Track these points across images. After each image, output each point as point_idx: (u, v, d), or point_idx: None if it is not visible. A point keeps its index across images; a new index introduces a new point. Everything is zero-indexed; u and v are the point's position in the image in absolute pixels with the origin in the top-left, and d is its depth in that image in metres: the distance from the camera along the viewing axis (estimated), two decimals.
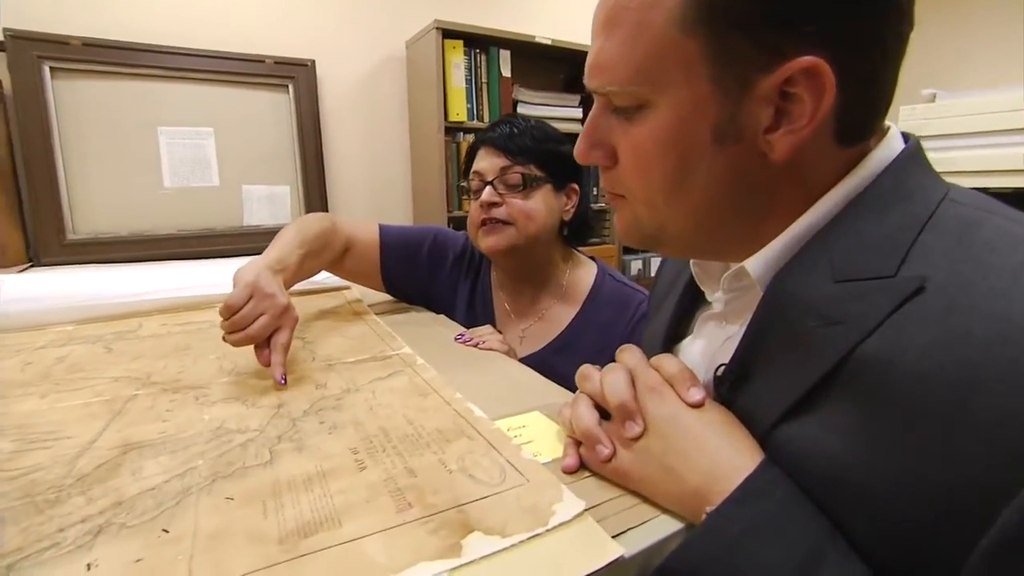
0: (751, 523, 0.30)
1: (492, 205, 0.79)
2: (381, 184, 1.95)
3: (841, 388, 0.31)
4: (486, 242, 0.81)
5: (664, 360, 0.39)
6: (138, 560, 0.28)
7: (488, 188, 0.79)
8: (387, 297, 0.91)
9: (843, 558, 0.29)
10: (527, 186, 0.80)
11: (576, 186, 0.85)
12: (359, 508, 0.32)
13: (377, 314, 0.78)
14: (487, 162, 0.80)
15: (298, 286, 0.88)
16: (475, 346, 0.67)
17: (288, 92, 1.72)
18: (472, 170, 0.83)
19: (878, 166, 0.36)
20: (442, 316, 0.82)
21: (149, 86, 1.53)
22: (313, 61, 1.74)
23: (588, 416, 0.39)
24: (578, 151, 0.42)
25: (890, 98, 0.36)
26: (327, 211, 1.80)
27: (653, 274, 2.46)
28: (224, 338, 0.55)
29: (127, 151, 1.53)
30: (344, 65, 1.83)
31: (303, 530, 0.30)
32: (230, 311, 0.55)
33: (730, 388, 0.37)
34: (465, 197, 0.86)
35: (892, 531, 0.28)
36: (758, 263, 0.38)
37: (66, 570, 0.27)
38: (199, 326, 0.73)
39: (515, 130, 0.80)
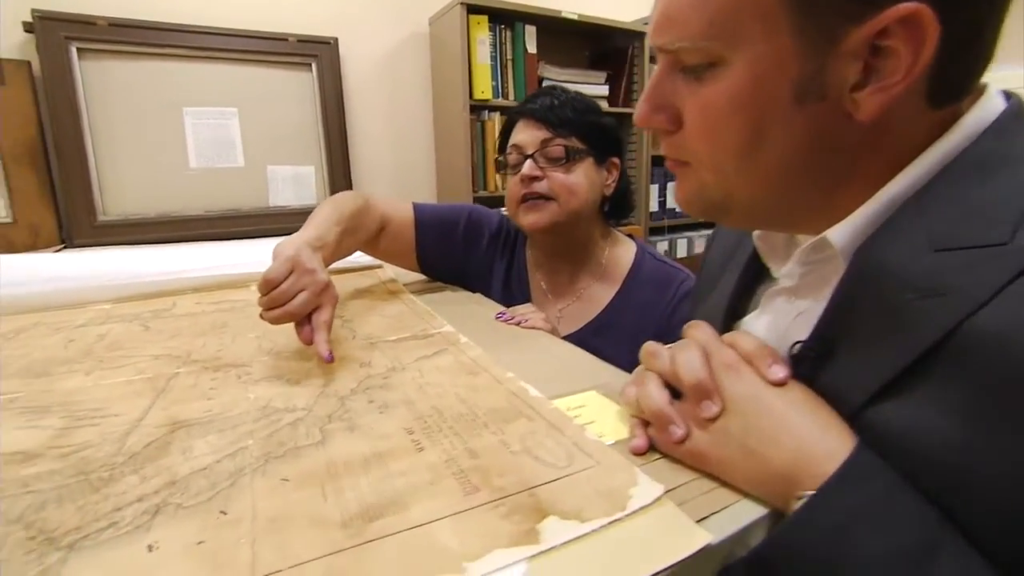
0: (856, 510, 0.28)
1: (533, 179, 0.76)
2: (405, 163, 1.93)
3: (947, 365, 0.28)
4: (528, 218, 0.78)
5: (739, 337, 0.37)
6: (200, 543, 0.27)
7: (529, 162, 0.76)
8: (420, 276, 0.89)
9: (960, 550, 0.26)
10: (569, 159, 0.76)
11: (617, 160, 0.82)
12: (423, 491, 0.30)
13: (412, 293, 0.76)
14: (527, 134, 0.77)
15: (333, 265, 0.86)
16: (517, 324, 0.64)
17: (311, 71, 1.69)
18: (510, 143, 0.80)
19: (976, 127, 0.33)
20: (478, 295, 0.80)
21: (174, 66, 1.52)
22: (336, 39, 1.71)
23: (659, 395, 0.36)
24: (639, 115, 0.39)
25: (991, 54, 0.33)
26: (351, 189, 1.78)
27: (679, 256, 2.40)
28: (262, 315, 0.53)
29: (153, 132, 1.53)
30: (367, 42, 1.80)
31: (367, 514, 0.28)
32: (269, 285, 0.52)
33: (811, 366, 0.35)
34: (502, 172, 0.83)
35: (1014, 521, 0.26)
36: (842, 233, 0.35)
37: (127, 551, 0.26)
38: (233, 304, 0.72)
39: (556, 101, 0.77)
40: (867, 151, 0.34)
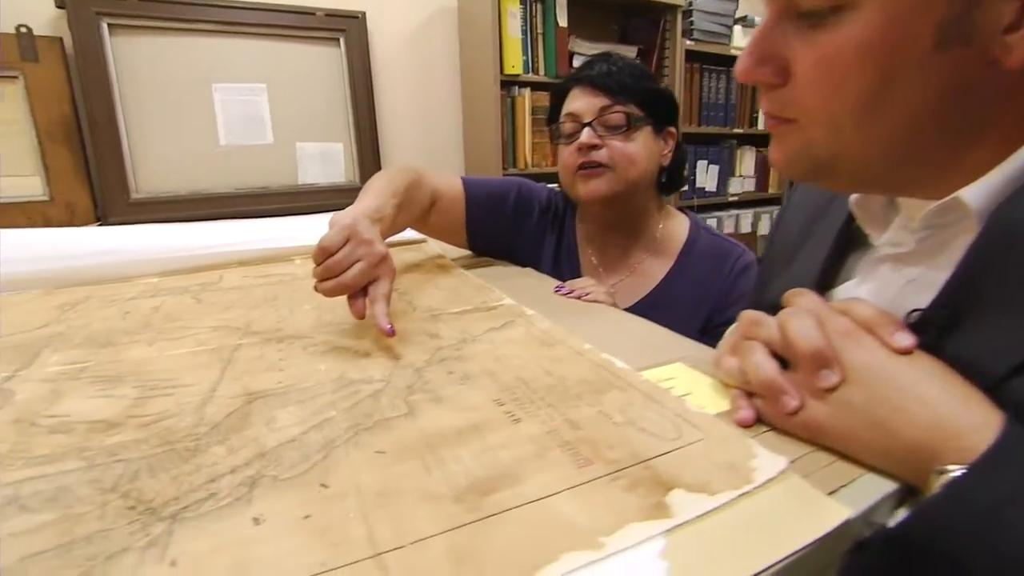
0: (1015, 488, 0.25)
1: (591, 148, 0.73)
2: (433, 140, 1.90)
3: None
4: (586, 188, 0.74)
5: (855, 304, 0.34)
6: (306, 516, 0.25)
7: (587, 130, 0.73)
8: (464, 252, 0.87)
9: None
10: (630, 127, 0.73)
11: (673, 130, 0.78)
12: (532, 464, 0.28)
13: (462, 268, 0.74)
14: (583, 102, 0.74)
15: None
16: (578, 298, 0.62)
17: (339, 45, 1.66)
18: (564, 112, 0.77)
19: None
20: (529, 269, 0.78)
21: (203, 41, 1.50)
22: (363, 13, 1.68)
23: (768, 365, 0.34)
24: (741, 68, 0.36)
25: None
26: (380, 169, 1.76)
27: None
28: (316, 286, 0.50)
29: (183, 109, 1.52)
30: (395, 17, 1.76)
31: (479, 487, 0.27)
32: (324, 254, 0.49)
33: (937, 335, 0.32)
34: (556, 143, 0.79)
35: None
36: (978, 193, 0.32)
37: (232, 523, 0.24)
38: (281, 278, 0.70)
39: (614, 68, 0.73)
40: (1006, 103, 0.31)
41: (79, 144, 1.52)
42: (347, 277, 0.49)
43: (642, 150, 0.74)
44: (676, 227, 0.82)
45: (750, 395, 0.35)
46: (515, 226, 0.82)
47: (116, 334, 0.50)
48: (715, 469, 0.28)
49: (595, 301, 0.61)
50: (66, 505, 0.26)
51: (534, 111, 1.87)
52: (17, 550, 0.23)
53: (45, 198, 1.56)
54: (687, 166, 0.84)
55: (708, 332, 0.74)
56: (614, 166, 0.73)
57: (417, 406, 0.35)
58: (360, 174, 1.71)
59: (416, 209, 0.71)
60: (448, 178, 0.79)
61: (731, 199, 2.43)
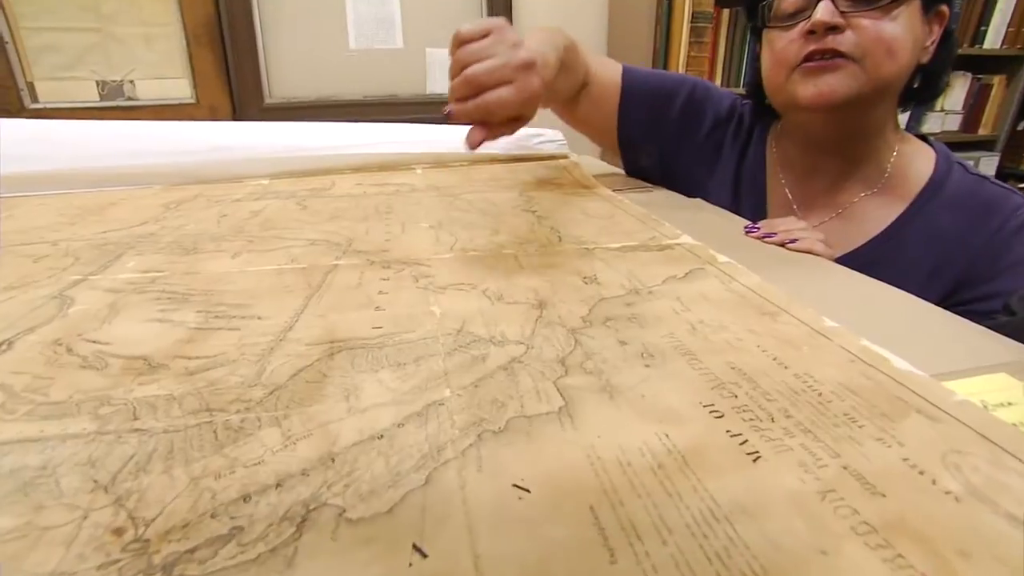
0: None
1: (830, 30, 0.50)
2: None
3: None
4: (814, 86, 0.52)
5: None
6: None
7: (825, 4, 0.49)
8: (610, 171, 0.71)
9: None
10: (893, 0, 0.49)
11: (945, 9, 0.53)
12: (813, 569, 0.14)
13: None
14: None
15: (507, 148, 0.71)
16: (780, 245, 0.44)
17: None
18: None
19: None
20: (698, 200, 0.60)
21: None
22: None
23: None
24: None
25: None
26: None
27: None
28: (444, 110, 0.43)
29: (316, 9, 1.44)
30: None
31: None
32: (461, 41, 0.43)
33: None
34: (768, 26, 0.56)
35: None
36: None
37: None
38: (398, 188, 0.59)
39: None
40: None
41: (221, 47, 1.52)
42: (479, 70, 0.41)
43: (905, 36, 0.50)
44: (916, 159, 0.58)
45: None
46: (678, 134, 0.64)
47: (204, 240, 0.42)
48: None
49: (808, 251, 0.43)
50: (37, 504, 0.17)
51: (694, 17, 1.59)
52: None
53: (192, 101, 1.60)
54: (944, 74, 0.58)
55: (951, 310, 0.52)
56: (862, 57, 0.50)
57: (577, 399, 0.22)
58: None
59: (572, 79, 0.57)
60: (607, 61, 0.62)
61: None
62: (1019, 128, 2.05)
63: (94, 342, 0.27)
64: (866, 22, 0.49)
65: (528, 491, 0.17)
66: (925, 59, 0.54)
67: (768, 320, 0.28)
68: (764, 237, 0.45)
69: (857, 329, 0.27)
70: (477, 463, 0.18)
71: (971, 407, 0.21)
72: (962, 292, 0.54)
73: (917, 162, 0.58)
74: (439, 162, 0.70)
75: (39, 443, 0.20)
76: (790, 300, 0.31)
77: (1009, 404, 0.23)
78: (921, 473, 0.18)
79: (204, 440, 0.20)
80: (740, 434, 0.19)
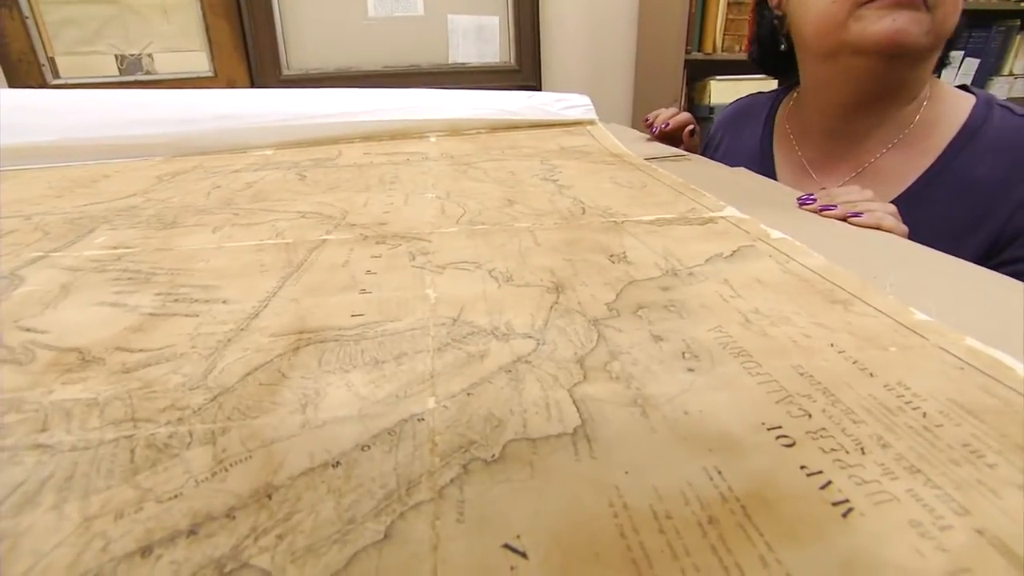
0: None
1: None
2: (604, 12, 1.59)
3: None
4: (894, 22, 0.46)
5: None
6: None
7: None
8: (639, 135, 0.64)
9: None
10: None
11: None
12: None
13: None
14: None
15: (530, 114, 0.65)
16: (843, 219, 0.38)
17: None
18: None
19: None
20: (742, 169, 0.53)
21: None
22: None
23: None
24: None
25: None
26: (539, 48, 1.51)
27: None
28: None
29: None
30: None
31: None
32: None
33: None
34: None
35: None
36: None
37: None
38: (408, 157, 0.54)
39: None
40: None
41: (238, 18, 1.48)
42: None
43: None
44: (948, 106, 0.52)
45: None
46: None
47: (187, 213, 0.38)
48: None
49: (876, 227, 0.37)
50: None
51: None
52: None
53: (210, 73, 1.57)
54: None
55: (993, 266, 0.46)
56: (935, 6, 0.45)
57: (600, 416, 0.17)
58: (516, 53, 1.49)
59: None
60: None
61: None
62: None
63: (29, 330, 0.23)
64: None
65: (524, 556, 0.12)
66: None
67: (840, 310, 0.23)
68: (822, 210, 0.39)
69: (958, 324, 0.22)
70: (458, 509, 0.13)
71: None
72: (1009, 248, 0.47)
73: (950, 110, 0.52)
74: (454, 129, 0.64)
75: None
76: (864, 285, 0.25)
77: None
78: None
79: (116, 462, 0.15)
80: (821, 472, 0.14)
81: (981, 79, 1.77)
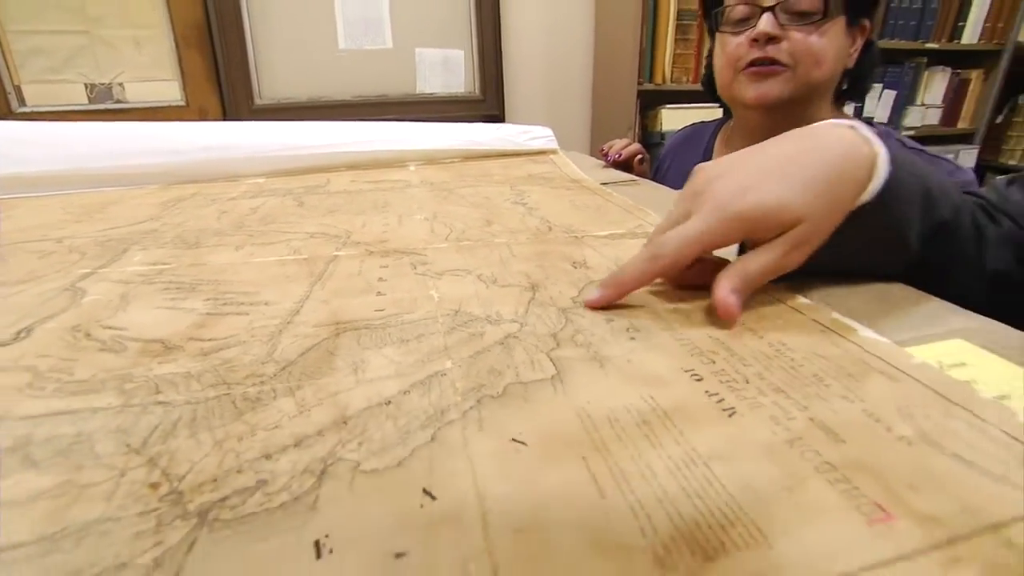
0: None
1: (770, 40, 0.56)
2: (561, 48, 1.71)
3: None
4: (756, 90, 0.59)
5: None
6: (399, 555, 0.15)
7: (767, 16, 0.56)
8: (596, 162, 0.73)
9: None
10: (825, 15, 0.56)
11: (868, 24, 0.60)
12: (780, 503, 0.16)
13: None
14: None
15: (498, 145, 0.73)
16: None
17: None
18: None
19: None
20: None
21: None
22: None
23: None
24: None
25: None
26: (502, 79, 1.61)
27: None
28: None
29: (304, 11, 1.45)
30: None
31: (695, 541, 0.15)
32: None
33: None
34: (720, 31, 0.62)
35: None
36: None
37: (283, 545, 0.15)
38: (393, 184, 0.61)
39: None
40: None
41: (210, 50, 1.53)
42: None
43: (830, 48, 0.57)
44: None
45: None
46: None
47: (206, 235, 0.44)
48: None
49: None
50: (76, 465, 0.18)
51: (679, 15, 1.61)
52: None
53: (182, 103, 1.60)
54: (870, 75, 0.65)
55: None
56: (795, 65, 0.56)
57: (569, 368, 0.23)
58: (480, 84, 1.58)
59: None
60: None
61: (905, 133, 2.01)
62: (997, 121, 2.10)
63: (111, 328, 0.28)
64: (798, 35, 0.56)
65: (525, 444, 0.19)
66: (850, 65, 0.61)
67: (747, 298, 0.30)
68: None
69: (828, 304, 0.29)
70: (478, 423, 0.20)
71: (927, 368, 0.23)
72: None
73: None
74: (431, 159, 0.71)
75: (70, 415, 0.21)
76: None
77: (962, 365, 0.25)
78: (878, 422, 0.20)
79: (224, 410, 0.21)
80: (717, 394, 0.21)
81: (899, 108, 1.96)
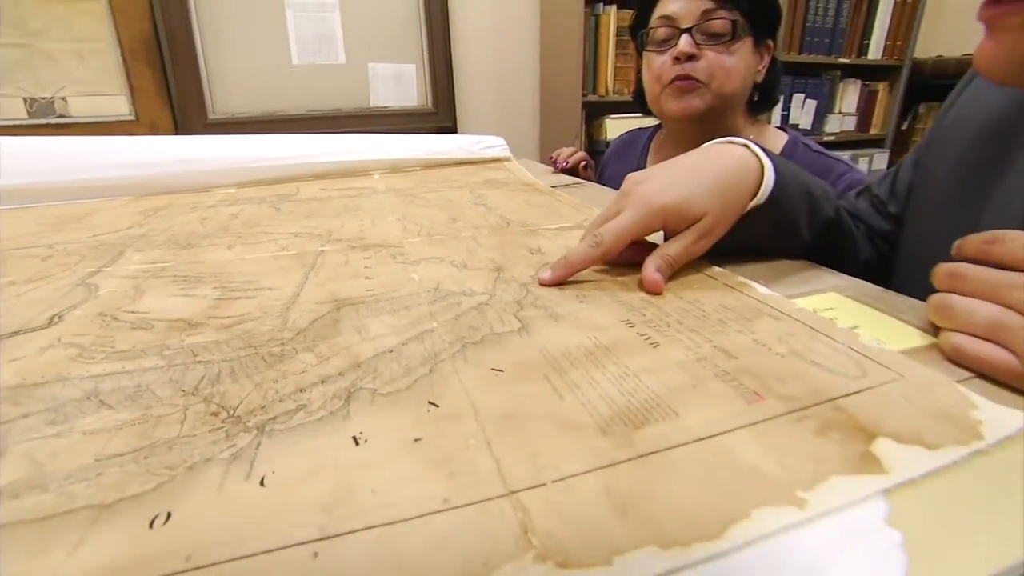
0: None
1: (689, 58, 0.65)
2: (509, 63, 1.79)
3: None
4: (678, 104, 0.68)
5: None
6: (416, 439, 0.20)
7: (685, 37, 0.65)
8: (546, 168, 0.80)
9: None
10: (734, 36, 0.65)
11: (772, 44, 0.71)
12: (687, 395, 0.23)
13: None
14: (682, 4, 0.65)
15: (456, 154, 0.79)
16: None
17: None
18: (657, 15, 0.68)
19: None
20: None
21: None
22: None
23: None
24: None
25: None
26: (453, 92, 1.67)
27: None
28: None
29: (257, 26, 1.48)
30: None
31: (627, 418, 0.21)
32: None
33: None
34: (646, 50, 0.72)
35: None
36: None
37: (328, 440, 0.20)
38: (360, 191, 0.66)
39: None
40: None
41: (160, 64, 1.52)
42: None
43: (740, 65, 0.66)
44: (769, 142, 0.73)
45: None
46: None
47: (196, 237, 0.48)
48: (925, 417, 0.21)
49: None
50: (146, 405, 0.23)
51: (619, 31, 1.72)
52: (93, 449, 0.20)
53: (131, 118, 1.59)
54: (782, 96, 0.77)
55: None
56: (709, 81, 0.65)
57: (531, 322, 0.30)
58: (432, 97, 1.64)
59: None
60: None
61: (827, 138, 2.19)
62: (903, 128, 2.32)
63: (134, 312, 0.33)
64: (712, 54, 0.65)
65: (502, 371, 0.25)
66: (759, 79, 0.71)
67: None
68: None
69: (739, 272, 0.37)
70: (464, 359, 0.26)
71: (804, 312, 0.31)
72: None
73: (770, 146, 0.72)
74: (394, 168, 0.77)
75: (126, 374, 0.26)
76: None
77: (831, 309, 0.32)
78: (763, 345, 0.27)
79: (256, 363, 0.26)
80: (646, 334, 0.28)
81: (821, 115, 2.13)
